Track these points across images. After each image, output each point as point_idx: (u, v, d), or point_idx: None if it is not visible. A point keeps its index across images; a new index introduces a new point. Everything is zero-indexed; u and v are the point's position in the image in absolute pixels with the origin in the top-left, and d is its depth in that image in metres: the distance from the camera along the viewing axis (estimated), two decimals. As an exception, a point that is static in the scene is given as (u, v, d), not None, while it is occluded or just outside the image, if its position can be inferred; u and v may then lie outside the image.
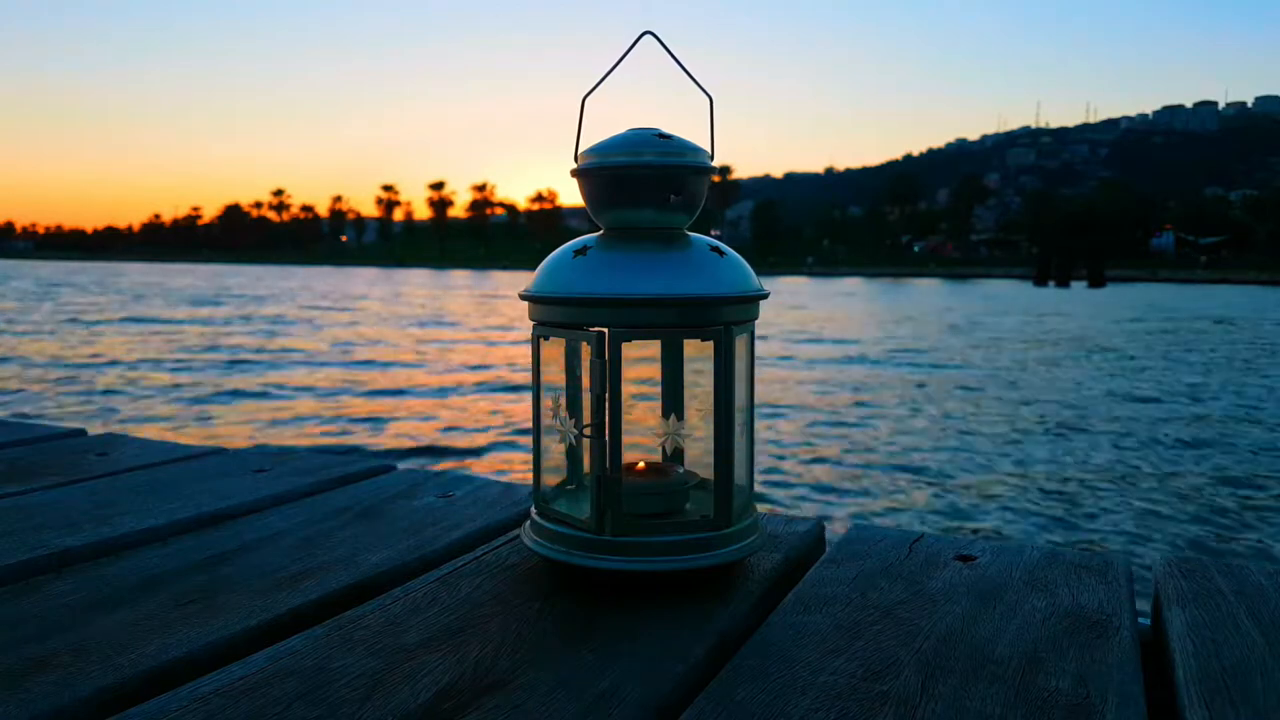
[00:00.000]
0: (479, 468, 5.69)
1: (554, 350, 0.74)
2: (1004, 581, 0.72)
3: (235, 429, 7.03)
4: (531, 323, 0.72)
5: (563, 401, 0.74)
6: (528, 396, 0.78)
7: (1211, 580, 0.72)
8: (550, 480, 0.77)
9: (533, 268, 0.74)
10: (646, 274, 0.67)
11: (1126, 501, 5.14)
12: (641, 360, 0.75)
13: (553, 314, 0.70)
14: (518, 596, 0.68)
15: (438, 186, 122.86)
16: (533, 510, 0.74)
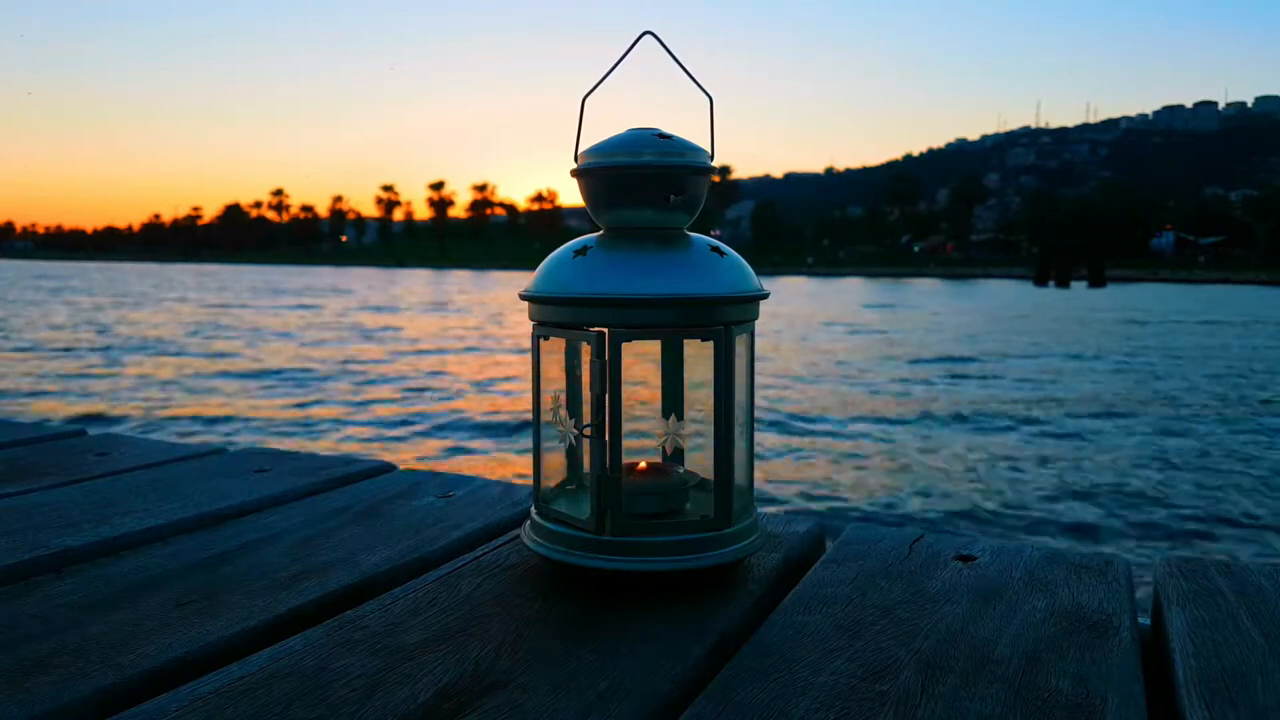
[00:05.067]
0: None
1: (554, 350, 0.74)
2: (1004, 581, 0.72)
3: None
4: (532, 323, 0.72)
5: (563, 401, 0.74)
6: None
7: (1211, 580, 0.72)
8: (550, 480, 0.77)
9: (532, 268, 0.74)
10: (646, 274, 0.67)
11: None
12: (641, 360, 0.75)
13: (553, 314, 0.70)
14: (518, 596, 0.68)
15: (438, 186, 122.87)
16: (533, 510, 0.74)
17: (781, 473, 5.59)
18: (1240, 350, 14.07)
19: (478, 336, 15.29)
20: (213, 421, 7.28)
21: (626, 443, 0.68)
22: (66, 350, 12.01)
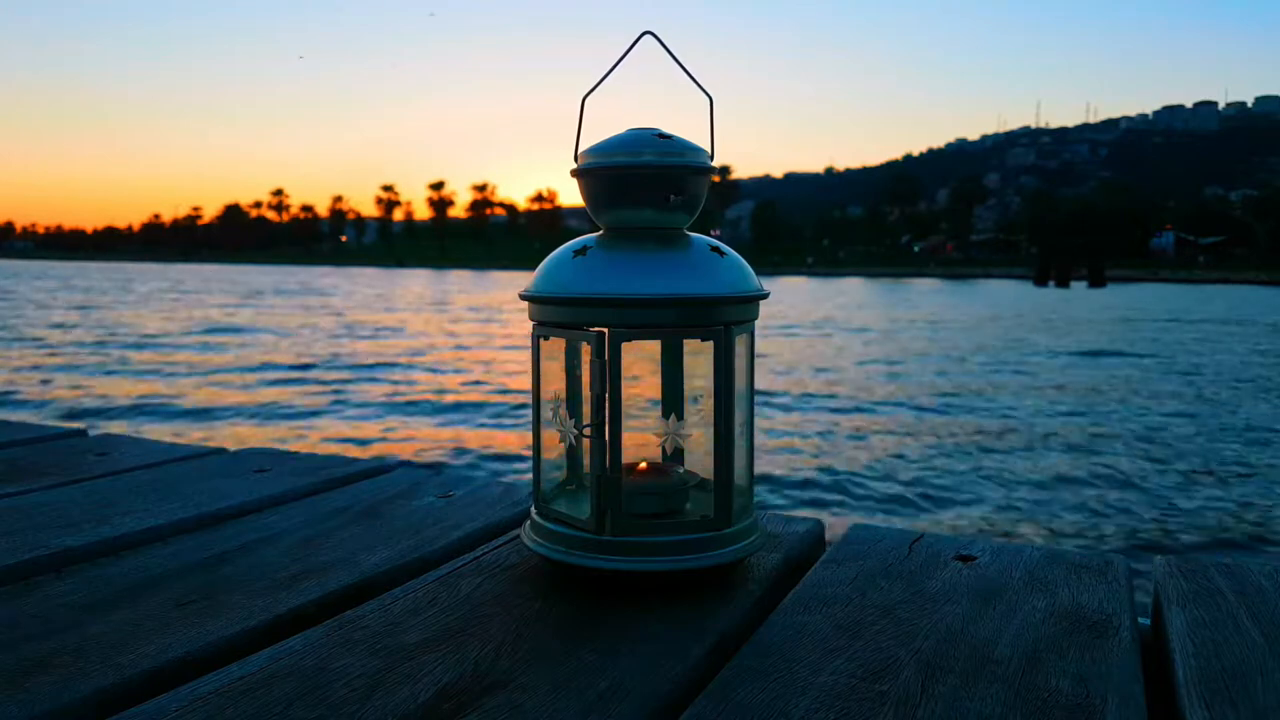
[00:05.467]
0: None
1: (554, 350, 0.74)
2: (1004, 581, 0.72)
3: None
4: (532, 323, 0.72)
5: (563, 401, 0.74)
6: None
7: (1211, 580, 0.72)
8: (550, 480, 0.77)
9: (532, 268, 0.74)
10: (646, 274, 0.67)
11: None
12: (642, 360, 0.75)
13: (553, 314, 0.70)
14: (518, 596, 0.68)
15: (438, 186, 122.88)
16: (532, 510, 0.74)
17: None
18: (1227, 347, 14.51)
19: (476, 336, 15.36)
20: (211, 419, 7.30)
21: (627, 440, 0.68)
22: (65, 349, 12.13)
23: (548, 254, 0.72)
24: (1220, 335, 16.93)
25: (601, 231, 0.73)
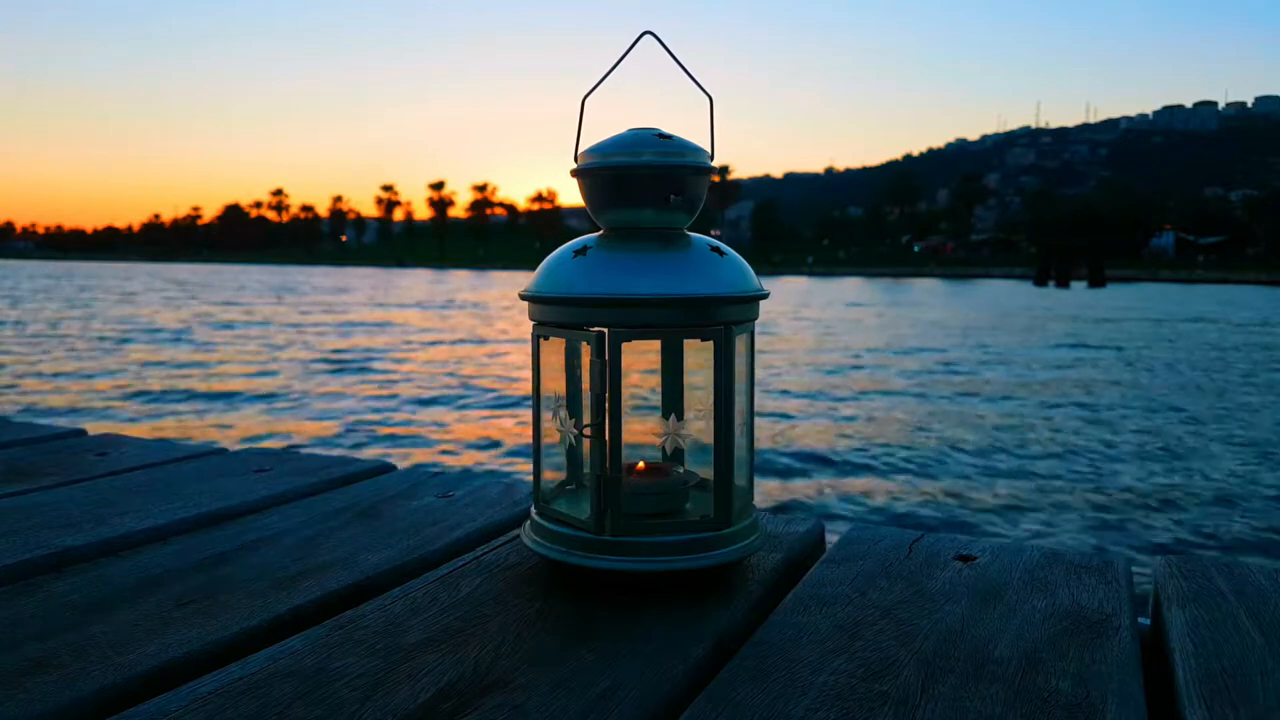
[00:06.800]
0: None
1: (554, 350, 0.74)
2: (1004, 581, 0.72)
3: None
4: (532, 323, 0.72)
5: (563, 401, 0.74)
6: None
7: (1211, 580, 0.72)
8: (550, 480, 0.77)
9: (532, 268, 0.74)
10: (646, 274, 0.67)
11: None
12: (642, 360, 0.75)
13: (553, 314, 0.70)
14: (518, 596, 0.68)
15: (438, 186, 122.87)
16: (533, 510, 0.74)
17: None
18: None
19: (476, 336, 15.38)
20: (212, 417, 7.30)
21: (627, 440, 0.68)
22: (62, 347, 12.16)
23: (548, 254, 0.72)
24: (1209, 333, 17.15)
25: (602, 231, 0.73)
